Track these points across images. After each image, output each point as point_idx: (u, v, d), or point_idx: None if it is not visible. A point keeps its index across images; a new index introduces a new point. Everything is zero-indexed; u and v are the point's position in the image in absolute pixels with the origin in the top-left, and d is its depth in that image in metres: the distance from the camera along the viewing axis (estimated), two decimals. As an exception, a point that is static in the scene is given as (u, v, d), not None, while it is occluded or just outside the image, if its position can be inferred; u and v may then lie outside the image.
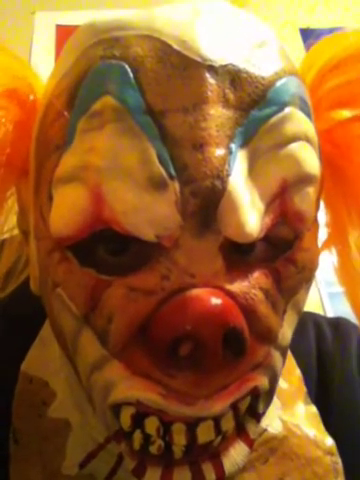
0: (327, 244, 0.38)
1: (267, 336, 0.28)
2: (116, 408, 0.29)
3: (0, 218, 0.36)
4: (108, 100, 0.25)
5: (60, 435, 0.37)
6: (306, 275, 0.30)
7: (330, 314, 1.26)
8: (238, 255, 0.27)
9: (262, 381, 0.29)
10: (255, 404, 0.30)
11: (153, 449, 0.28)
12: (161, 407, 0.27)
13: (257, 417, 0.31)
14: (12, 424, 0.38)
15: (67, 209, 0.27)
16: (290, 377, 0.42)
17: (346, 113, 0.33)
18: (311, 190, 0.28)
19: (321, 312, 1.24)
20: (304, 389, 0.42)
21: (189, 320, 0.24)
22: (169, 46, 0.25)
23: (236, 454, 0.30)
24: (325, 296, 1.42)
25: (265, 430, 0.38)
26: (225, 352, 0.25)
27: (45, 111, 0.30)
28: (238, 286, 0.26)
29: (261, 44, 0.27)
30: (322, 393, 0.43)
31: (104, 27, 0.28)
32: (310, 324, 0.48)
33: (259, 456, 0.37)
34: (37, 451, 0.37)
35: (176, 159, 0.24)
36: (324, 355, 0.45)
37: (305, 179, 0.28)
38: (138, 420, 0.28)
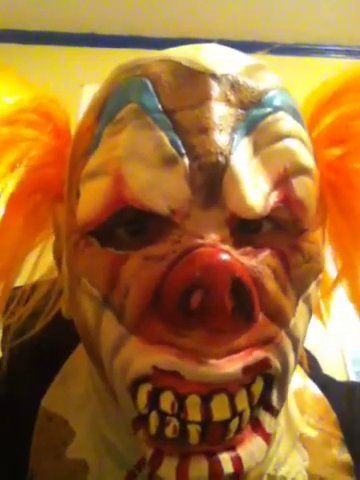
0: (338, 279, 0.40)
1: (277, 315, 0.29)
2: (134, 389, 0.29)
3: (36, 239, 0.40)
4: (131, 106, 0.30)
5: (78, 477, 0.37)
6: (314, 266, 0.31)
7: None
8: (245, 235, 0.29)
9: (273, 360, 0.29)
10: (268, 393, 0.30)
11: (169, 431, 0.28)
12: (176, 367, 0.27)
13: (271, 410, 0.31)
14: (30, 466, 0.38)
15: (92, 196, 0.30)
16: (322, 422, 0.41)
17: (337, 151, 0.37)
18: (309, 181, 0.31)
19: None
20: (340, 435, 0.41)
21: (198, 269, 0.26)
22: (180, 64, 0.31)
23: (253, 448, 0.29)
24: (352, 374, 1.38)
25: None
26: (235, 313, 0.26)
27: (76, 135, 0.35)
28: (246, 260, 0.28)
29: (258, 67, 0.32)
30: None
31: (128, 62, 0.33)
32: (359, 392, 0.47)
33: None
34: None
35: (185, 142, 0.28)
36: None
37: (302, 170, 0.30)
38: (154, 398, 0.28)
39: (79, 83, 1.71)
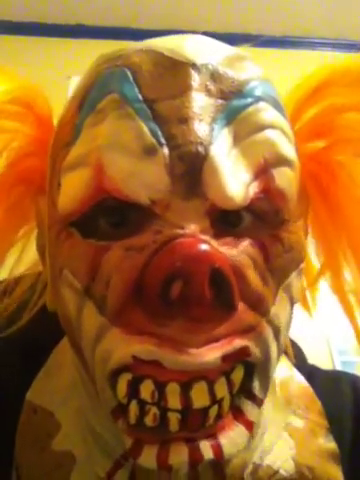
0: (322, 270, 0.40)
1: (257, 304, 0.29)
2: (113, 379, 0.29)
3: (20, 232, 0.39)
4: (111, 96, 0.30)
5: (63, 469, 0.37)
6: (295, 256, 0.31)
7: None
8: (226, 226, 0.29)
9: (253, 348, 0.29)
10: (249, 381, 0.30)
11: (148, 420, 0.28)
12: (156, 356, 0.27)
13: (253, 399, 0.31)
14: (14, 459, 0.38)
15: (72, 187, 0.30)
16: (308, 412, 0.42)
17: (321, 144, 0.37)
18: (289, 172, 0.31)
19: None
20: (325, 424, 0.41)
21: (178, 259, 0.26)
22: (161, 54, 0.30)
23: (234, 435, 0.29)
24: (338, 364, 1.40)
25: (277, 472, 0.37)
26: (214, 302, 0.26)
27: (58, 125, 0.34)
28: (226, 250, 0.28)
29: (240, 57, 0.32)
30: (356, 454, 0.41)
31: (109, 52, 0.33)
32: (347, 382, 0.47)
33: None
34: None
35: (165, 132, 0.28)
36: None
37: (282, 160, 0.30)
38: (134, 387, 0.28)
39: (66, 75, 1.69)
